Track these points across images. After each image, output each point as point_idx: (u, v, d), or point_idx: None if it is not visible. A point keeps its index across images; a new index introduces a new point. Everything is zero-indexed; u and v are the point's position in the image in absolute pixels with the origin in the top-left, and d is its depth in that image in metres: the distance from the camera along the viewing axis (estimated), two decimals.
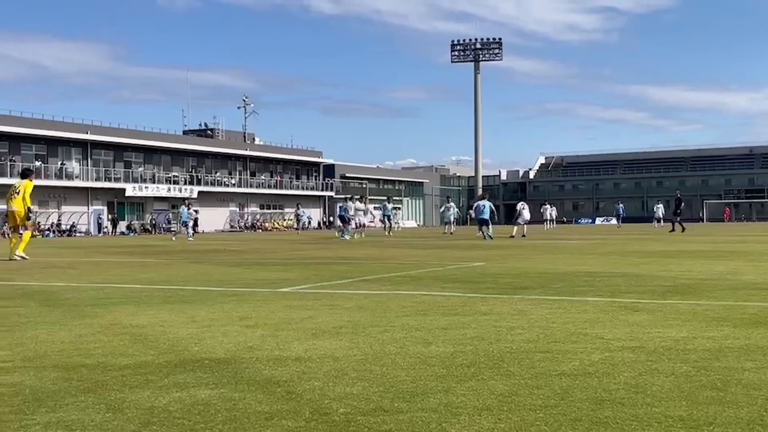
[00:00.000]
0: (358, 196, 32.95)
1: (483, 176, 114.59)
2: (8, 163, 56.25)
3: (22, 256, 15.09)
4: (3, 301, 7.81)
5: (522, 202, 32.92)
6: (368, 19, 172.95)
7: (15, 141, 58.22)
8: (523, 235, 29.65)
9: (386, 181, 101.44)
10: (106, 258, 17.54)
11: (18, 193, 15.30)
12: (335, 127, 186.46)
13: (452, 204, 40.40)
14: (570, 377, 3.76)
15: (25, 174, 15.94)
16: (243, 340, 5.02)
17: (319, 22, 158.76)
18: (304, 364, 4.17)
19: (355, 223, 33.37)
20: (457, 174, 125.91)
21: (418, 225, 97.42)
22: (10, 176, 54.81)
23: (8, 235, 16.11)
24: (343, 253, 18.11)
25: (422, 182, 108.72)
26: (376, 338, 4.98)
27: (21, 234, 15.54)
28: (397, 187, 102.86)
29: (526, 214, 31.78)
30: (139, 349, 4.75)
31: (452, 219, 39.00)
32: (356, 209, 32.45)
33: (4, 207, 15.84)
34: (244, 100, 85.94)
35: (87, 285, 9.61)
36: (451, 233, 37.00)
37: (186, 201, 40.63)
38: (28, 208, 15.20)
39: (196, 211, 42.85)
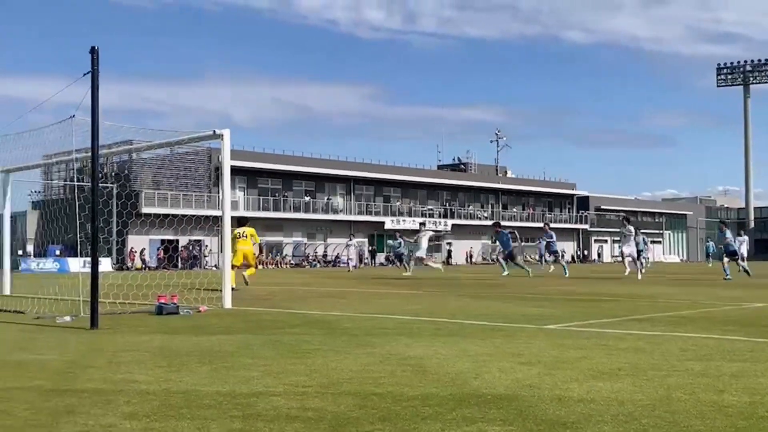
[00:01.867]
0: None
1: (755, 207, 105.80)
2: (281, 199, 61.36)
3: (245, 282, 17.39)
4: (290, 328, 8.50)
5: None
6: (624, 47, 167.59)
7: (287, 178, 63.38)
8: None
9: (645, 213, 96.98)
10: (371, 288, 18.46)
11: (245, 237, 17.77)
12: (589, 158, 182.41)
13: (745, 237, 35.66)
14: None
15: (244, 221, 18.45)
16: (520, 377, 5.05)
17: (571, 52, 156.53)
18: (588, 405, 4.11)
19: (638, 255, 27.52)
20: (725, 205, 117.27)
21: (681, 260, 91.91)
22: (284, 210, 59.80)
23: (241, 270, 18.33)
24: (605, 289, 17.55)
25: (685, 214, 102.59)
26: (659, 382, 4.78)
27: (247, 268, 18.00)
28: (656, 220, 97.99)
29: None
30: (421, 380, 4.95)
31: (744, 254, 33.62)
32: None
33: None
34: (497, 134, 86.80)
35: (360, 315, 10.18)
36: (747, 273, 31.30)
37: (397, 233, 37.66)
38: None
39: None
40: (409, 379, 5.01)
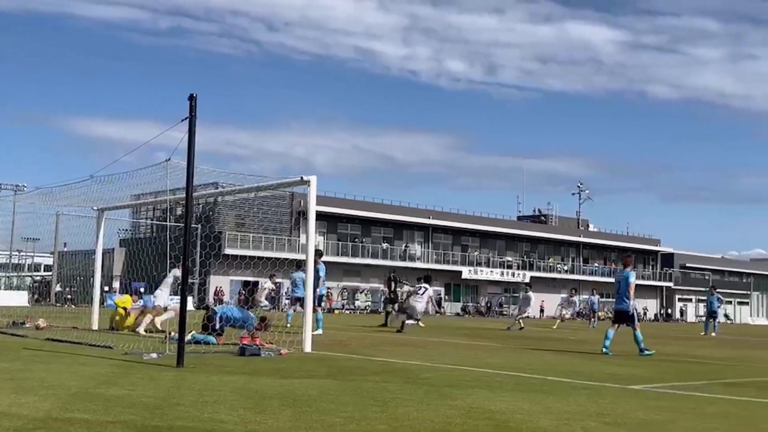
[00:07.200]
0: None
1: None
2: (360, 245, 61.81)
3: None
4: (370, 375, 8.52)
5: None
6: (710, 103, 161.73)
7: (366, 224, 63.87)
8: None
9: (732, 273, 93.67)
10: (449, 339, 18.31)
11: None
12: (675, 214, 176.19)
13: None
14: None
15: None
16: None
17: (658, 107, 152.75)
18: None
19: None
20: None
21: None
22: (362, 256, 60.13)
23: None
24: (693, 351, 16.99)
25: None
26: None
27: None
28: (744, 280, 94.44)
29: None
30: None
31: None
32: None
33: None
34: (579, 187, 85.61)
35: (440, 365, 10.12)
36: None
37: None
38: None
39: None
40: None
